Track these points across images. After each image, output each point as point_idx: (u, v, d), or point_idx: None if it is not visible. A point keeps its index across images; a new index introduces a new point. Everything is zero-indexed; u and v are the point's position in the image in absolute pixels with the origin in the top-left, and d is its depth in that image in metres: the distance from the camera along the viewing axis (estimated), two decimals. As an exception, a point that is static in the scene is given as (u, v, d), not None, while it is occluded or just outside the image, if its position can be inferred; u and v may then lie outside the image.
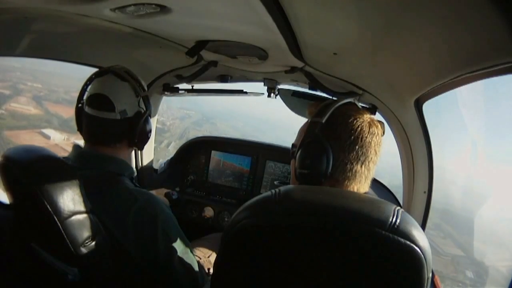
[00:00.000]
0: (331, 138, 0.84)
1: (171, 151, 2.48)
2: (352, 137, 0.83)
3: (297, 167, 0.88)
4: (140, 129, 1.15)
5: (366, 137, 0.84)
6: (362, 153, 0.84)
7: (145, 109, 1.16)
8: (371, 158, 0.85)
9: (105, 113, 1.09)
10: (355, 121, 0.85)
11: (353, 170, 0.84)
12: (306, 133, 0.88)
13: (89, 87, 1.14)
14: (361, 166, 0.84)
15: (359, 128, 0.84)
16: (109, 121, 1.09)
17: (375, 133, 0.86)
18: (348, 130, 0.84)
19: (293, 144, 0.97)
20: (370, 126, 0.86)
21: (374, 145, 0.85)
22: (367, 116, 0.88)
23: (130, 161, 2.09)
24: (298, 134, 0.98)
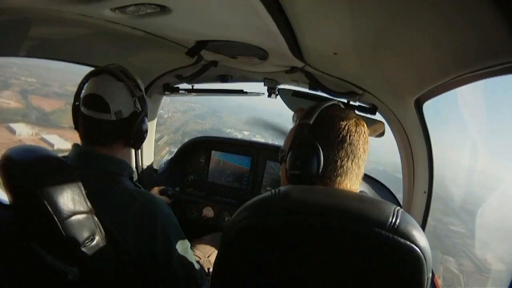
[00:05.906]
0: (319, 138, 0.86)
1: (160, 146, 2.44)
2: (341, 136, 0.86)
3: (288, 169, 0.89)
4: (136, 129, 1.14)
5: (354, 136, 0.86)
6: (351, 151, 0.86)
7: (141, 109, 1.15)
8: (360, 156, 0.87)
9: (101, 114, 1.08)
10: (341, 121, 0.87)
11: (344, 167, 0.85)
12: (295, 135, 0.90)
13: (85, 86, 1.12)
14: (352, 163, 0.86)
15: (346, 128, 0.86)
16: (104, 122, 1.08)
17: (361, 132, 0.88)
18: (335, 129, 0.86)
19: (281, 149, 0.98)
20: (356, 125, 0.88)
21: (362, 144, 0.88)
22: (352, 116, 0.91)
23: (130, 161, 2.09)
24: (286, 139, 0.99)
